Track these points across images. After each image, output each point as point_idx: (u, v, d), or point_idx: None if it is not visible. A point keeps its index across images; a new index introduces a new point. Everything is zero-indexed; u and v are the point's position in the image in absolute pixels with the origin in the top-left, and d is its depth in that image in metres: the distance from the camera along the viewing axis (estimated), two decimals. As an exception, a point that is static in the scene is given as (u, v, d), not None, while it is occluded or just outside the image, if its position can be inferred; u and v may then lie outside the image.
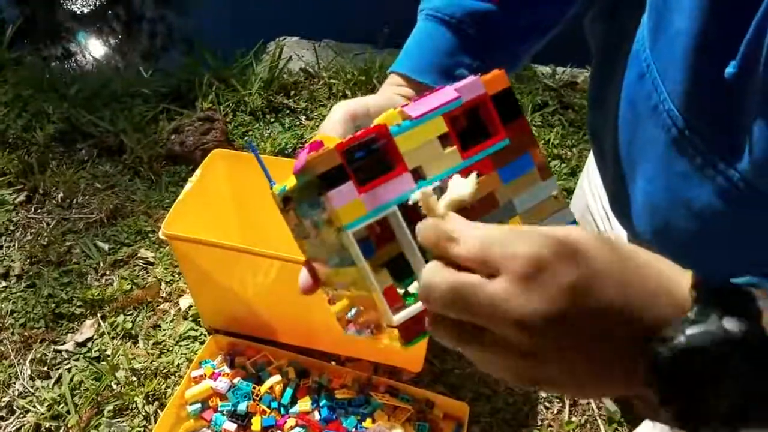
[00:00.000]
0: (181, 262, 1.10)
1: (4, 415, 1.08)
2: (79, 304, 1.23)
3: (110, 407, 1.08)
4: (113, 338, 1.19)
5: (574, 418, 1.10)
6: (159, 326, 1.21)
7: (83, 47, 2.78)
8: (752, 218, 0.55)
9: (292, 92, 1.78)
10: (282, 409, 1.05)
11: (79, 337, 1.19)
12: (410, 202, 0.40)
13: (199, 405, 1.04)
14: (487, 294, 0.34)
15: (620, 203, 0.72)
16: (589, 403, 1.12)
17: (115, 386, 1.11)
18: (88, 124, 1.61)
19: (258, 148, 1.58)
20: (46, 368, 1.14)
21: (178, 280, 1.28)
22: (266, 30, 2.15)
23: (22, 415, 1.08)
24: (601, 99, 0.71)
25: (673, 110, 0.55)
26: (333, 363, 1.12)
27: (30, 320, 1.21)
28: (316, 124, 1.68)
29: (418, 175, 0.42)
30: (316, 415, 1.04)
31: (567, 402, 1.12)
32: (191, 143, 1.52)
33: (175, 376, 1.13)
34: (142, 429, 1.06)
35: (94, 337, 1.19)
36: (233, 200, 1.19)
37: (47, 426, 1.06)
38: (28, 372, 1.14)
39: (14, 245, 1.35)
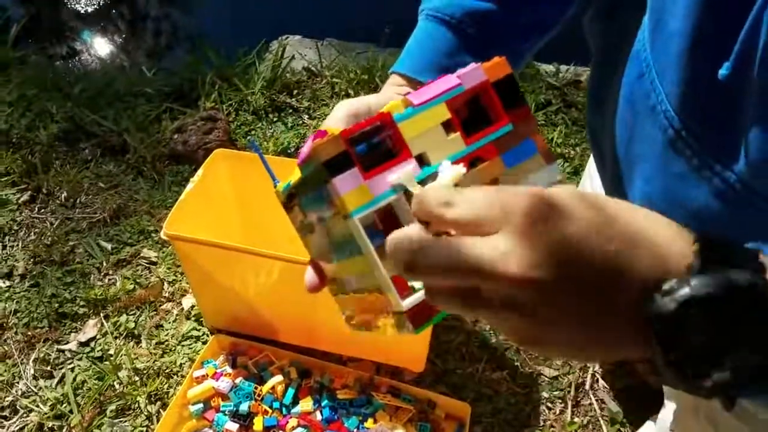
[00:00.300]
0: (183, 262, 1.10)
1: (8, 414, 1.08)
2: (82, 303, 1.24)
3: (113, 407, 1.08)
4: (116, 338, 1.19)
5: (576, 419, 1.10)
6: (162, 326, 1.21)
7: (88, 46, 2.79)
8: (749, 219, 0.55)
9: (295, 91, 1.78)
10: (284, 409, 1.05)
11: (82, 337, 1.19)
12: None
13: (201, 405, 1.04)
14: (485, 251, 0.33)
15: None
16: (591, 404, 1.12)
17: (117, 386, 1.11)
18: (92, 124, 1.61)
19: (261, 147, 1.58)
20: (49, 368, 1.15)
21: (180, 280, 1.28)
22: (269, 28, 2.16)
23: (25, 415, 1.08)
24: (600, 99, 0.70)
25: (670, 111, 0.55)
26: (335, 363, 1.12)
27: (33, 320, 1.21)
28: (319, 123, 1.68)
29: (423, 161, 0.42)
30: (318, 416, 1.04)
31: (569, 402, 1.12)
32: (194, 143, 1.52)
33: (177, 376, 1.13)
34: (144, 429, 1.06)
35: (97, 336, 1.19)
36: (235, 200, 1.19)
37: (50, 425, 1.06)
38: (32, 371, 1.14)
39: (18, 245, 1.35)
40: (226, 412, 1.03)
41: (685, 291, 0.33)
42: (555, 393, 1.13)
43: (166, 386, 1.12)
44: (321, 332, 1.11)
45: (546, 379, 1.15)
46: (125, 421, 1.07)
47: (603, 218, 0.34)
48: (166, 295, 1.26)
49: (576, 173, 1.51)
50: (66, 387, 1.11)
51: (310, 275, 0.51)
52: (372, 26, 2.04)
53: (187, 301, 1.24)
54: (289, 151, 1.58)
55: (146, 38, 2.93)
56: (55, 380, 1.13)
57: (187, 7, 3.09)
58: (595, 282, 0.33)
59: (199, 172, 1.08)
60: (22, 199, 1.45)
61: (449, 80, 0.45)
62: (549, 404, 1.12)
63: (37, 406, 1.09)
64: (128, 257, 1.33)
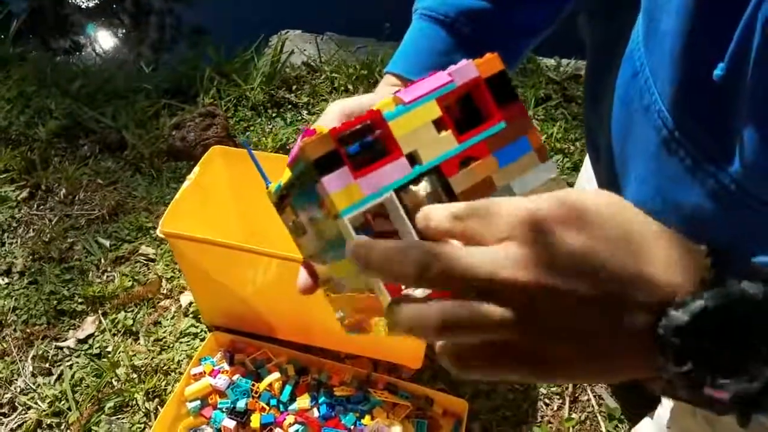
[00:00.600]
0: (179, 261, 1.10)
1: (7, 411, 1.09)
2: (80, 300, 1.24)
3: (111, 404, 1.08)
4: (114, 335, 1.19)
5: (574, 415, 1.10)
6: (160, 323, 1.21)
7: (91, 39, 2.79)
8: (744, 220, 0.54)
9: (294, 87, 1.77)
10: (281, 406, 1.05)
11: (81, 334, 1.19)
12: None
13: (198, 402, 1.04)
14: (498, 258, 0.32)
15: None
16: (589, 400, 1.12)
17: (115, 383, 1.11)
18: (91, 120, 1.61)
19: (259, 143, 1.57)
20: (47, 365, 1.15)
21: (178, 277, 1.28)
22: (271, 22, 2.15)
23: (23, 412, 1.09)
24: (596, 96, 0.70)
25: (664, 111, 0.54)
26: (332, 360, 1.12)
27: (32, 317, 1.22)
28: (318, 118, 1.67)
29: (414, 159, 0.42)
30: (315, 413, 1.04)
31: (567, 399, 1.12)
32: (192, 139, 1.52)
33: (175, 373, 1.13)
34: (142, 426, 1.07)
35: (96, 333, 1.19)
36: (232, 197, 1.19)
37: (48, 422, 1.07)
38: (30, 369, 1.14)
39: (17, 242, 1.36)
40: (224, 409, 1.03)
41: (698, 303, 0.32)
42: (553, 389, 1.13)
43: (164, 383, 1.12)
44: (318, 329, 1.11)
45: (544, 375, 1.15)
46: (123, 418, 1.08)
47: (622, 231, 0.34)
48: (164, 291, 1.27)
49: (575, 168, 1.50)
50: (64, 384, 1.11)
51: (303, 276, 0.50)
52: (372, 21, 2.03)
53: (185, 298, 1.24)
54: (287, 147, 1.58)
55: (149, 32, 2.92)
56: (54, 377, 1.13)
57: (190, 1, 3.08)
58: (610, 294, 0.33)
59: (196, 169, 1.08)
60: (21, 196, 1.45)
61: (440, 77, 0.44)
62: (547, 400, 1.12)
63: (36, 403, 1.09)
64: (126, 254, 1.33)
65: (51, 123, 1.61)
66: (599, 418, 1.10)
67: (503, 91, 0.45)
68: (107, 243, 1.34)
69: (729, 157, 0.50)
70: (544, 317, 0.33)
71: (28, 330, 1.20)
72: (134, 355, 1.16)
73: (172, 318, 1.22)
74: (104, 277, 1.29)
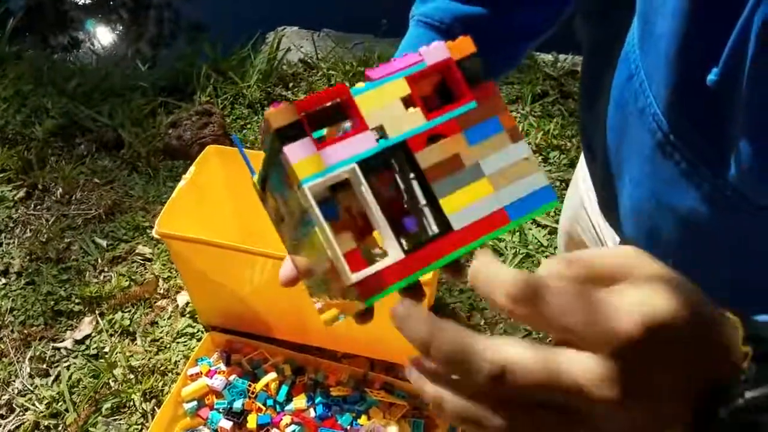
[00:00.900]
0: (176, 260, 1.10)
1: (4, 413, 1.09)
2: (77, 301, 1.24)
3: (108, 405, 1.09)
4: (111, 335, 1.19)
5: (570, 413, 1.10)
6: (156, 323, 1.21)
7: (88, 36, 2.78)
8: (739, 224, 0.54)
9: (291, 84, 1.77)
10: (277, 406, 1.05)
11: (78, 335, 1.19)
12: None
13: (195, 403, 1.04)
14: (584, 373, 0.31)
15: (608, 206, 0.71)
16: (585, 398, 1.12)
17: (112, 384, 1.12)
18: (87, 119, 1.61)
19: (256, 142, 1.57)
20: (45, 366, 1.15)
21: (175, 277, 1.28)
22: (267, 19, 2.14)
23: (21, 413, 1.09)
24: (591, 98, 0.69)
25: (658, 114, 0.54)
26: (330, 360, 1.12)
27: (29, 318, 1.22)
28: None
29: (381, 134, 0.42)
30: (312, 413, 1.04)
31: (564, 397, 1.12)
32: (189, 137, 1.52)
33: (172, 373, 1.14)
34: (139, 427, 1.07)
35: (93, 334, 1.20)
36: (228, 196, 1.18)
37: (46, 424, 1.07)
38: (28, 370, 1.15)
39: (14, 242, 1.36)
40: (220, 410, 1.04)
41: (739, 402, 0.32)
42: (550, 388, 1.13)
43: (161, 384, 1.12)
44: (315, 328, 1.11)
45: (541, 373, 1.15)
46: (120, 420, 1.08)
47: (694, 335, 0.33)
48: (161, 291, 1.27)
49: (572, 165, 1.50)
50: (61, 385, 1.11)
51: (285, 268, 0.50)
52: (369, 17, 2.02)
53: (182, 298, 1.24)
54: (284, 145, 1.57)
55: (145, 29, 2.92)
56: (51, 378, 1.14)
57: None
58: (669, 397, 0.33)
59: (191, 169, 1.08)
60: (18, 195, 1.45)
61: (412, 57, 0.44)
62: (544, 399, 1.12)
63: (33, 404, 1.09)
64: (123, 254, 1.33)
65: (47, 122, 1.60)
66: (596, 416, 1.10)
67: (475, 72, 0.45)
68: (104, 243, 1.34)
69: (724, 162, 0.50)
70: (603, 423, 0.32)
71: (25, 331, 1.20)
72: (131, 355, 1.16)
73: (169, 318, 1.22)
74: (101, 278, 1.29)
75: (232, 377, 1.07)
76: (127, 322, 1.21)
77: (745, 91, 0.45)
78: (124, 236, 1.36)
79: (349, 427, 1.02)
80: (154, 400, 1.10)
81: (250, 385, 1.06)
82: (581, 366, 0.31)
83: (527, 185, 0.44)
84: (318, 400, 1.05)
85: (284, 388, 1.06)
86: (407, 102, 0.43)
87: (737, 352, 0.34)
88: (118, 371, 1.13)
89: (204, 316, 1.19)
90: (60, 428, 1.06)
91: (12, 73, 1.76)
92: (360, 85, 0.42)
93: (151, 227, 1.36)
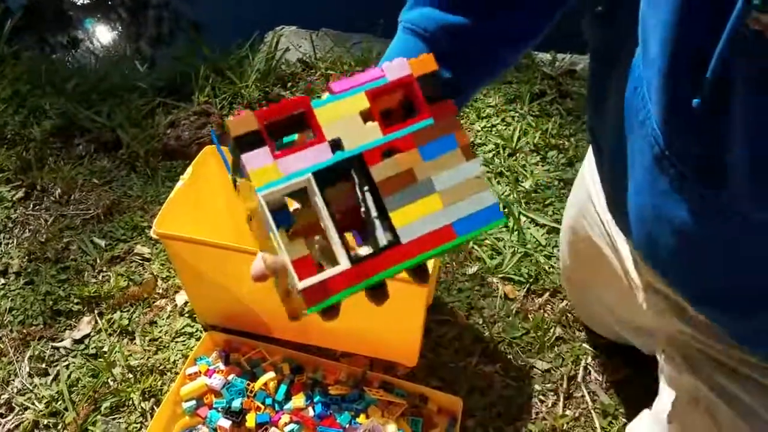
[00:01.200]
0: (174, 261, 1.10)
1: (3, 412, 1.09)
2: (76, 301, 1.24)
3: (107, 404, 1.09)
4: (110, 335, 1.19)
5: (568, 411, 1.11)
6: (155, 323, 1.22)
7: (87, 35, 2.78)
8: (734, 236, 0.55)
9: (290, 84, 1.77)
10: (276, 405, 1.05)
11: (77, 334, 1.20)
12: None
13: (193, 402, 1.05)
14: None
15: (616, 205, 0.72)
16: (583, 396, 1.12)
17: (111, 383, 1.12)
18: (86, 119, 1.61)
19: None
20: (44, 365, 1.15)
21: (174, 276, 1.29)
22: (266, 18, 2.14)
23: (20, 413, 1.09)
24: (600, 103, 0.70)
25: (656, 129, 0.55)
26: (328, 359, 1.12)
27: (28, 317, 1.22)
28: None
29: (337, 146, 0.42)
30: (311, 412, 1.04)
31: (561, 395, 1.12)
32: (187, 138, 1.52)
33: (171, 373, 1.14)
34: (138, 426, 1.07)
35: (91, 333, 1.20)
36: (226, 197, 1.19)
37: (45, 423, 1.07)
38: (27, 369, 1.15)
39: (13, 242, 1.36)
40: (219, 409, 1.04)
41: None
42: (547, 386, 1.14)
43: (159, 383, 1.12)
44: (313, 327, 1.12)
45: (538, 372, 1.15)
46: (119, 418, 1.08)
47: None
48: (160, 291, 1.27)
49: (570, 164, 1.50)
50: (60, 384, 1.12)
51: (256, 264, 0.51)
52: (368, 16, 2.03)
53: (181, 298, 1.25)
54: (283, 145, 1.58)
55: (144, 29, 2.92)
56: (50, 377, 1.14)
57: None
58: None
59: (189, 169, 1.08)
60: (17, 196, 1.45)
61: (374, 72, 0.45)
62: (541, 397, 1.12)
63: (33, 403, 1.10)
64: (122, 254, 1.33)
65: (46, 122, 1.61)
66: (593, 414, 1.10)
67: (434, 90, 0.46)
68: (102, 243, 1.35)
69: (718, 178, 0.51)
70: None
71: (24, 330, 1.20)
72: (130, 355, 1.16)
73: (167, 318, 1.22)
74: (100, 277, 1.29)
75: (230, 376, 1.08)
76: (126, 321, 1.21)
77: (734, 113, 0.46)
78: (123, 236, 1.36)
79: (347, 426, 1.02)
80: (152, 399, 1.10)
81: (248, 384, 1.06)
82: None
83: (476, 203, 0.45)
84: (317, 398, 1.05)
85: (283, 387, 1.06)
86: (366, 116, 0.44)
87: None
88: (117, 370, 1.13)
89: (202, 316, 1.20)
90: (59, 427, 1.07)
91: (10, 73, 1.76)
92: (324, 96, 0.43)
93: (150, 227, 1.37)
